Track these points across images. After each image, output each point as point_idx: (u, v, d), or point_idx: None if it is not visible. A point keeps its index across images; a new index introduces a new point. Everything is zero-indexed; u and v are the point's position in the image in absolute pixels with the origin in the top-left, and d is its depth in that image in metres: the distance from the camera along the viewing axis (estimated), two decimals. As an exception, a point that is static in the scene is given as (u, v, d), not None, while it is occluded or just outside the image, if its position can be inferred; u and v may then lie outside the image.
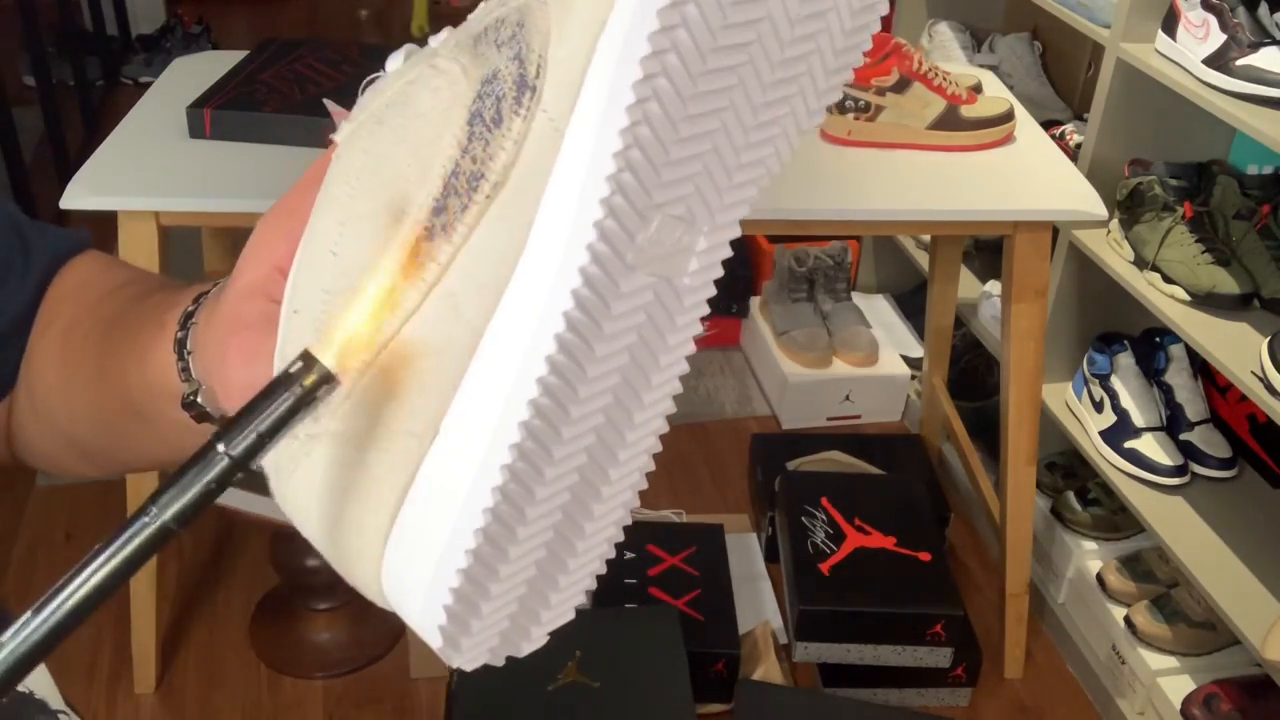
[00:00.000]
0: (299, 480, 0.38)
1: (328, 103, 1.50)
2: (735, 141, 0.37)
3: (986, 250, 2.39)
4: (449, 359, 0.36)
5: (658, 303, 0.37)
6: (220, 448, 0.34)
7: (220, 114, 1.56)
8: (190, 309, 0.46)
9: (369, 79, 0.41)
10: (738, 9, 0.35)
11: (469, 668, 0.37)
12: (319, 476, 0.37)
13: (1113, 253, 1.83)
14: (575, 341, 0.35)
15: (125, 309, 0.51)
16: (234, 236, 2.06)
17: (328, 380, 0.35)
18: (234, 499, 1.67)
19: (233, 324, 0.42)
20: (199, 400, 0.44)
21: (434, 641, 0.36)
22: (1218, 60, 1.57)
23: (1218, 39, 1.57)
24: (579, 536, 0.38)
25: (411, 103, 0.38)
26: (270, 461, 0.39)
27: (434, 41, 0.40)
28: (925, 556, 1.81)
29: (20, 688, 0.42)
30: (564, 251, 0.35)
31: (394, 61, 0.41)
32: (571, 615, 0.40)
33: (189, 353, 0.45)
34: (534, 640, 0.39)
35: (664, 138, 0.35)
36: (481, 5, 0.40)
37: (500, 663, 0.38)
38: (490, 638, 0.37)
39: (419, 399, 0.36)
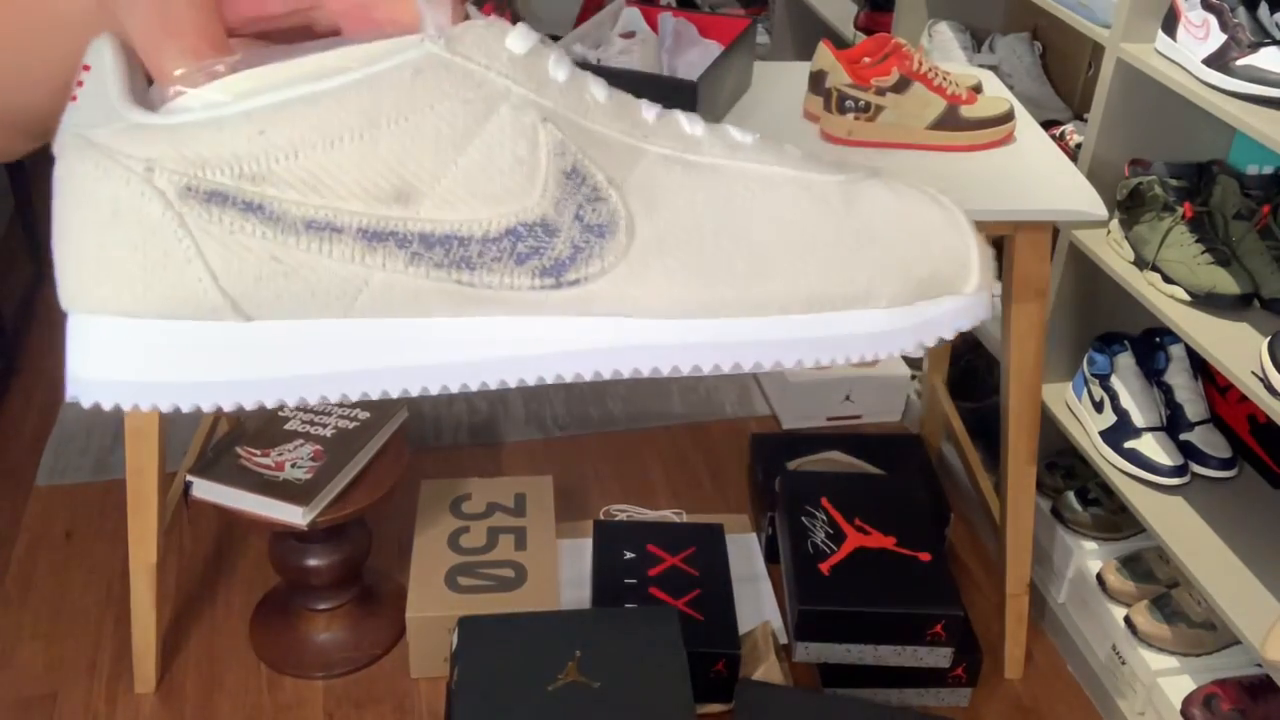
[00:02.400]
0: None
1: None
2: None
3: (986, 250, 2.39)
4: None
5: None
6: None
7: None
8: None
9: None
10: None
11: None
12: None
13: (1113, 253, 1.83)
14: None
15: None
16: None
17: None
18: (234, 499, 1.67)
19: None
20: None
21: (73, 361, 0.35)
22: (1218, 60, 1.57)
23: (1218, 39, 1.57)
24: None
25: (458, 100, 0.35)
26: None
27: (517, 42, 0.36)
28: (925, 556, 1.81)
29: None
30: None
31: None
32: None
33: None
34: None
35: None
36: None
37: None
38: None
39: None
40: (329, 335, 0.36)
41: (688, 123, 0.39)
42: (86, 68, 0.34)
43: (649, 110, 0.38)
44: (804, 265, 0.38)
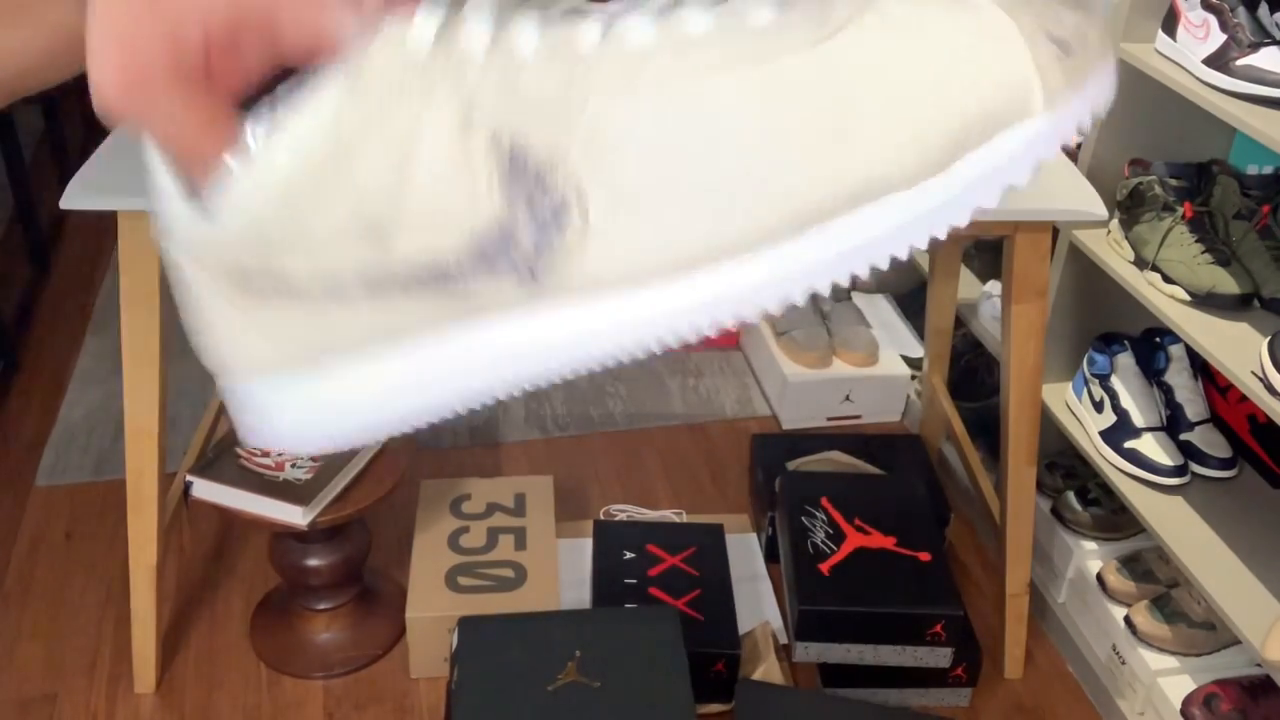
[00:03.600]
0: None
1: None
2: None
3: (986, 250, 2.39)
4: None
5: None
6: None
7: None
8: None
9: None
10: None
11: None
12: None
13: (1113, 253, 1.83)
14: None
15: None
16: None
17: None
18: (234, 499, 1.67)
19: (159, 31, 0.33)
20: None
21: (252, 425, 0.39)
22: (1218, 60, 1.57)
23: (1218, 39, 1.57)
24: None
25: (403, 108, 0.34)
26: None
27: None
28: (925, 556, 1.81)
29: None
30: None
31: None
32: None
33: None
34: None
35: None
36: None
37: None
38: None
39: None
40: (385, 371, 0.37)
41: (637, 32, 0.33)
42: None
43: (589, 34, 0.33)
44: (778, 182, 0.32)
